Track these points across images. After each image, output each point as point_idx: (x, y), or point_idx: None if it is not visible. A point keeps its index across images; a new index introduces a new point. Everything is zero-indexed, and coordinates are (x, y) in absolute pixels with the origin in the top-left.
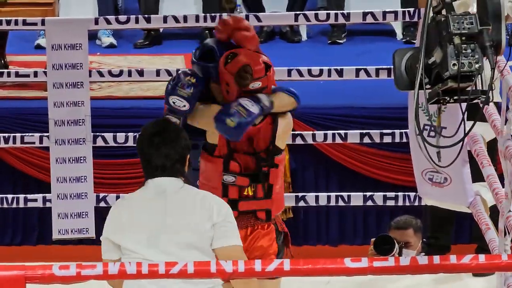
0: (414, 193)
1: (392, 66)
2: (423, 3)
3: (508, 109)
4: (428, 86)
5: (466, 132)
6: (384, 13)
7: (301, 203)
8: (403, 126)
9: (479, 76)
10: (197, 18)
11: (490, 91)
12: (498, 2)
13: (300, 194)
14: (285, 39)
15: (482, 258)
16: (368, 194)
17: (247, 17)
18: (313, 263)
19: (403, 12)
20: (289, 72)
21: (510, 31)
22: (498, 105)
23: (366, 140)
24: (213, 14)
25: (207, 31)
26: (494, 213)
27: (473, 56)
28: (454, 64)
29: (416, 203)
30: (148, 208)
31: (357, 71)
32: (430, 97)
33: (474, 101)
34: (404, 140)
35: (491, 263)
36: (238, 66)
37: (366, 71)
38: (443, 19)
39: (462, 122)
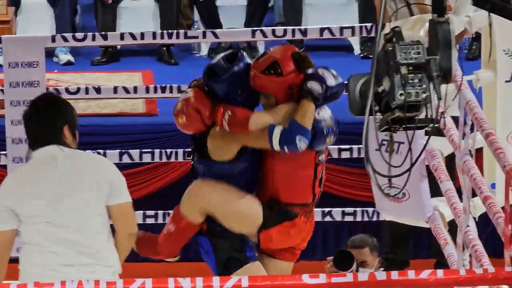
0: (373, 209)
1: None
2: (387, 17)
3: (466, 124)
4: (379, 114)
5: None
6: (342, 29)
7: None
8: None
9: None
10: (154, 35)
11: (441, 118)
12: (448, 30)
13: (326, 210)
14: None
15: (440, 273)
16: (326, 209)
17: (204, 34)
18: (271, 279)
19: (360, 28)
20: None
21: (468, 46)
22: (456, 120)
23: (346, 155)
24: (170, 31)
25: (164, 48)
26: (452, 228)
27: (420, 86)
28: (401, 94)
29: (375, 218)
30: (42, 175)
31: None
32: (380, 125)
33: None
34: (363, 155)
35: (449, 278)
36: (293, 57)
37: None
38: (390, 48)
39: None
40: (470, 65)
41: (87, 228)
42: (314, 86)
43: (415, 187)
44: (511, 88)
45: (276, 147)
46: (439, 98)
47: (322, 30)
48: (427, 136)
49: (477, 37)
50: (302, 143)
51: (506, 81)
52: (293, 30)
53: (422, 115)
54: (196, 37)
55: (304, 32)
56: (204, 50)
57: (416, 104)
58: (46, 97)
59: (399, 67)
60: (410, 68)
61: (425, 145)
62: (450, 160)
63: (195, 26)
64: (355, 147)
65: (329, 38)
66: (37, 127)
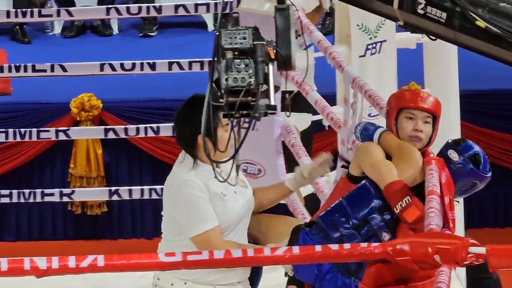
0: None
1: (205, 59)
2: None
3: (354, 102)
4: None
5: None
6: (196, 6)
7: (115, 197)
8: None
9: (270, 91)
10: (8, 14)
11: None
12: (287, 16)
13: (113, 188)
14: (96, 33)
15: (296, 249)
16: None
17: (58, 12)
18: (127, 258)
19: (215, 4)
20: (101, 67)
21: (321, 21)
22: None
23: None
24: (24, 10)
25: (17, 27)
26: (309, 202)
27: (246, 71)
28: (226, 79)
29: None
30: None
31: (170, 64)
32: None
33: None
34: None
35: (305, 254)
36: None
37: (179, 64)
38: (217, 33)
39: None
40: None
41: None
42: None
43: (271, 163)
44: (365, 63)
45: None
46: (260, 83)
47: (176, 7)
48: (283, 112)
49: (330, 12)
50: None
51: (360, 56)
52: (148, 8)
53: (265, 102)
54: (51, 16)
55: (158, 9)
56: (58, 29)
57: (242, 89)
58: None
59: (224, 52)
60: (236, 53)
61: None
62: (305, 135)
63: (48, 5)
64: None
65: (184, 15)
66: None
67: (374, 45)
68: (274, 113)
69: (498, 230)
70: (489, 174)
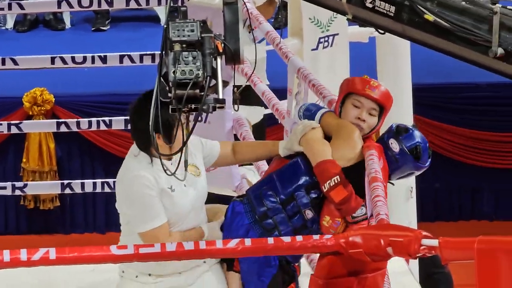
0: None
1: (157, 52)
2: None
3: (298, 92)
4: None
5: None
6: None
7: (67, 191)
8: None
9: (218, 84)
10: None
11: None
12: (235, 11)
13: (65, 182)
14: (49, 27)
15: (248, 242)
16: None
17: (10, 6)
18: (79, 251)
19: None
20: (52, 60)
21: (274, 15)
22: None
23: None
24: None
25: None
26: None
27: (194, 64)
28: (174, 72)
29: None
30: None
31: (121, 57)
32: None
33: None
34: None
35: (257, 246)
36: None
37: (130, 57)
38: (165, 26)
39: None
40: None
41: None
42: None
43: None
44: (317, 56)
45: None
46: (208, 76)
47: (128, 0)
48: (235, 105)
49: (283, 5)
50: None
51: (313, 49)
52: (99, 1)
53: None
54: (2, 9)
55: (110, 3)
56: (10, 23)
57: (190, 82)
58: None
59: (172, 44)
60: (184, 45)
61: (188, 137)
62: (257, 128)
63: None
64: None
65: (136, 8)
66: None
67: (326, 38)
68: (222, 107)
69: (451, 223)
70: (428, 163)
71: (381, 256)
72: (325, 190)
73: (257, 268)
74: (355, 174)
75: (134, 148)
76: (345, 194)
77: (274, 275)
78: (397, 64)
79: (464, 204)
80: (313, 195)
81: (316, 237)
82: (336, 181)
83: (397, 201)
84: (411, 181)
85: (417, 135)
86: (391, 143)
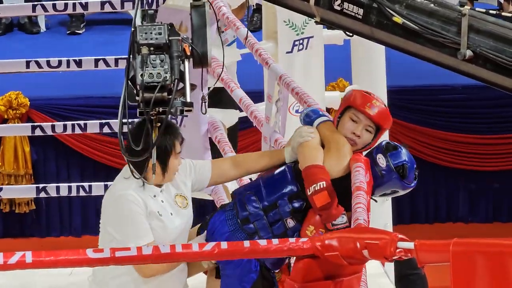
0: None
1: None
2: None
3: (279, 99)
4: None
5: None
6: (122, 2)
7: (42, 194)
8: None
9: (186, 88)
10: None
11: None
12: (203, 13)
13: (41, 185)
14: (23, 30)
15: (224, 245)
16: (109, 183)
17: None
18: (55, 254)
19: (142, 1)
20: (27, 64)
21: (249, 18)
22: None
23: (106, 130)
24: None
25: None
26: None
27: (162, 67)
28: (141, 75)
29: None
30: None
31: (96, 61)
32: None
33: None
34: None
35: (233, 250)
36: None
37: (105, 61)
38: (133, 29)
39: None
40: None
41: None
42: None
43: (199, 159)
44: (292, 59)
45: None
46: (176, 79)
47: (103, 3)
48: (210, 109)
49: (258, 8)
50: None
51: (287, 52)
52: (74, 4)
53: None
54: None
55: (84, 6)
56: None
57: (158, 85)
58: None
59: (140, 47)
60: (151, 48)
61: (158, 138)
62: (232, 132)
63: None
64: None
65: (111, 12)
66: None
67: (301, 41)
68: (190, 110)
69: (427, 226)
70: (413, 185)
71: (357, 259)
72: (309, 194)
73: (239, 274)
74: (341, 186)
75: (125, 170)
76: (328, 200)
77: (255, 281)
78: (372, 67)
79: (439, 206)
80: (296, 205)
81: (292, 240)
82: (321, 186)
83: (373, 203)
84: None
85: (405, 154)
86: (379, 158)
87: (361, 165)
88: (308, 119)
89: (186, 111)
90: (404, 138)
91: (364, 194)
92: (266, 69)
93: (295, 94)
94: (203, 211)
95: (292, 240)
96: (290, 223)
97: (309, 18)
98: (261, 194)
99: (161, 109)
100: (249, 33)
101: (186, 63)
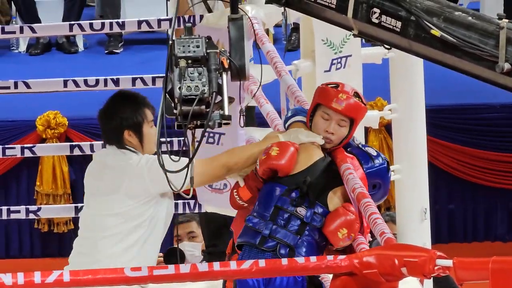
0: (194, 200)
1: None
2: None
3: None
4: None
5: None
6: (159, 21)
7: None
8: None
9: (224, 100)
10: None
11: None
12: (240, 26)
13: (79, 205)
14: (62, 50)
15: (262, 263)
16: None
17: (21, 29)
18: (93, 273)
19: (178, 19)
20: (65, 83)
21: (288, 37)
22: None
23: None
24: None
25: None
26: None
27: (200, 80)
28: (179, 88)
29: (197, 210)
30: (89, 176)
31: (134, 80)
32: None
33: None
34: None
35: (271, 267)
36: None
37: (142, 79)
38: (170, 42)
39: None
40: (290, 55)
41: (93, 229)
42: None
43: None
44: (330, 78)
45: None
46: (214, 92)
47: (140, 22)
48: (248, 127)
49: (296, 27)
50: None
51: (325, 71)
52: (111, 24)
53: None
54: (14, 32)
55: (122, 25)
56: (23, 46)
57: (197, 98)
58: (115, 95)
59: (177, 60)
60: (189, 61)
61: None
62: None
63: (14, 22)
64: (175, 139)
65: (148, 31)
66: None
67: (339, 59)
68: (228, 123)
69: (465, 245)
70: (379, 164)
71: (395, 276)
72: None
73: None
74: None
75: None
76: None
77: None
78: (410, 85)
79: (478, 225)
80: (293, 195)
81: (330, 257)
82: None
83: (411, 222)
84: (424, 202)
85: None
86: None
87: (349, 166)
88: (285, 117)
89: (224, 124)
90: (442, 157)
91: (371, 201)
92: (279, 80)
93: (297, 102)
94: None
95: (330, 257)
96: (301, 211)
97: (347, 37)
98: (261, 212)
99: (199, 122)
100: (272, 47)
101: (224, 76)
